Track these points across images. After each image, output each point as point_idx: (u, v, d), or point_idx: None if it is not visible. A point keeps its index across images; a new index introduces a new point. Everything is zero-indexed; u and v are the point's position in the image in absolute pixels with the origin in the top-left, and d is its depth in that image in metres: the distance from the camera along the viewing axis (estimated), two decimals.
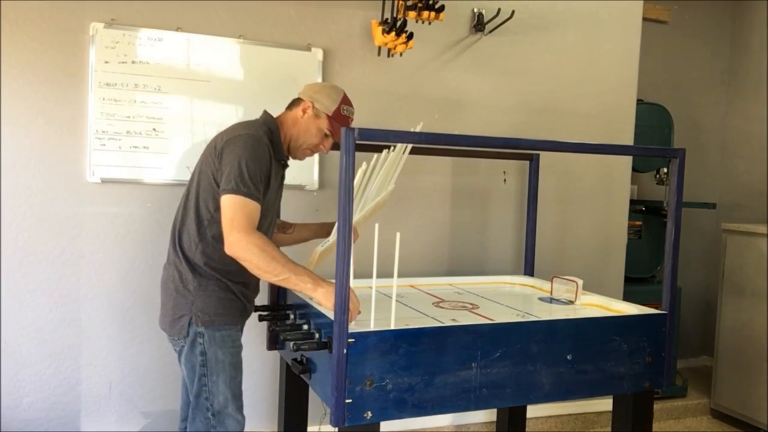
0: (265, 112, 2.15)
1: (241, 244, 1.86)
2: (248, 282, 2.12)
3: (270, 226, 2.16)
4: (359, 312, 1.89)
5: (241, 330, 2.17)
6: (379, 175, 2.23)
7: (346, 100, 2.17)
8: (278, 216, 2.35)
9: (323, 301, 1.88)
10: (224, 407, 2.01)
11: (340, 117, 2.13)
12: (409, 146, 2.32)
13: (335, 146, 2.12)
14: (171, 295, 2.05)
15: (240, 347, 2.09)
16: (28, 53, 2.46)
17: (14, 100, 2.46)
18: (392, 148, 2.27)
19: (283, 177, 2.21)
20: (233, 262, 1.99)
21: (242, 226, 1.88)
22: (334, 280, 1.70)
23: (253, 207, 1.92)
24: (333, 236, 2.25)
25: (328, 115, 2.12)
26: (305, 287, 1.90)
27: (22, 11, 2.45)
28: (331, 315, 1.81)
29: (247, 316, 2.18)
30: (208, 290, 2.01)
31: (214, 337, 2.00)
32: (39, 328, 2.54)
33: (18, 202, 2.49)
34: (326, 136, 2.14)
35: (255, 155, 1.96)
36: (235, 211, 1.89)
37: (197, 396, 2.02)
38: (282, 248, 2.37)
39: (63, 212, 2.54)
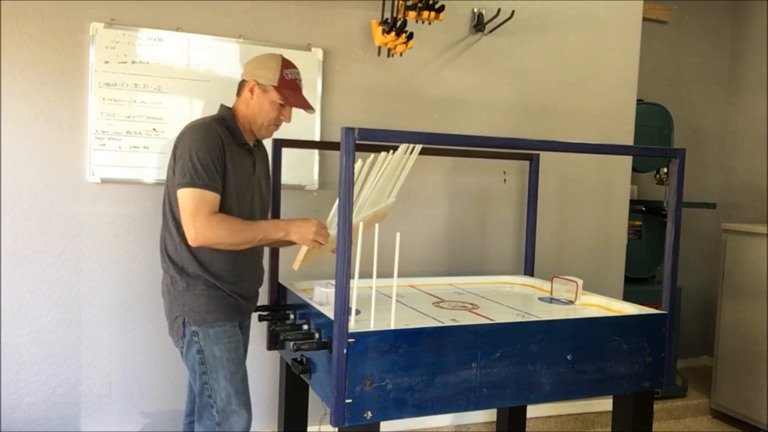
0: (222, 105, 2.16)
1: (205, 232, 1.90)
2: (240, 280, 2.10)
3: (252, 213, 2.12)
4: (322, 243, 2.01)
5: (241, 326, 2.17)
6: (379, 182, 2.20)
7: (286, 64, 2.14)
8: (268, 209, 2.32)
9: (300, 239, 1.99)
10: (228, 404, 2.02)
11: (287, 82, 2.11)
12: (413, 156, 2.30)
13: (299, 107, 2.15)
14: (166, 298, 2.09)
15: (237, 342, 2.09)
16: (28, 53, 2.46)
17: (14, 100, 2.46)
18: (391, 152, 2.25)
19: (255, 162, 2.16)
20: (220, 261, 2.02)
21: (202, 216, 1.90)
22: (333, 281, 1.70)
23: (211, 197, 1.93)
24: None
25: (274, 86, 2.09)
26: (279, 235, 2.00)
27: (22, 11, 2.44)
28: (307, 247, 1.98)
29: (244, 313, 2.18)
30: (196, 290, 2.03)
31: (209, 335, 2.02)
32: (39, 328, 2.54)
33: (18, 202, 2.49)
34: (282, 106, 2.12)
35: (204, 144, 1.95)
36: (193, 202, 1.91)
37: (200, 394, 2.03)
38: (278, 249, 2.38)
39: (63, 212, 2.54)
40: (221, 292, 2.06)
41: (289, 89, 2.11)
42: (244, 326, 2.22)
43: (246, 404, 2.06)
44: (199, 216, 1.90)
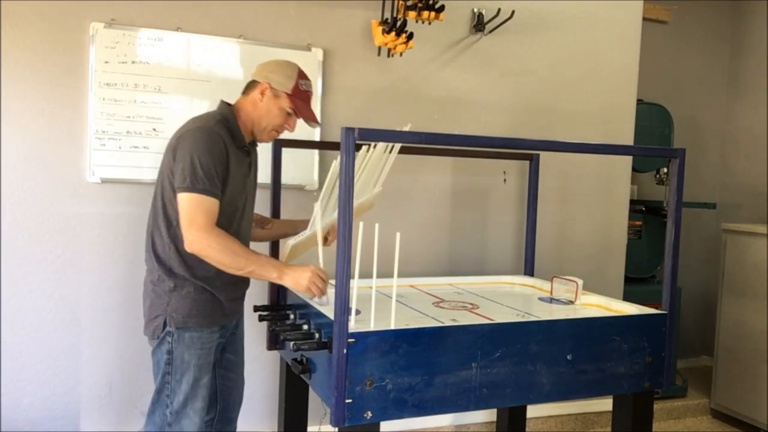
0: (221, 102, 2.11)
1: (201, 243, 1.87)
2: (228, 284, 2.06)
3: (244, 218, 2.11)
4: (325, 294, 1.98)
5: (225, 328, 2.13)
6: (362, 176, 2.18)
7: (302, 75, 2.11)
8: (253, 207, 2.27)
9: (293, 285, 1.95)
10: (183, 407, 2.00)
11: (300, 93, 2.08)
12: (396, 146, 2.30)
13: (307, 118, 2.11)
14: (149, 295, 2.04)
15: (210, 349, 2.05)
16: (28, 53, 2.46)
17: (14, 100, 2.46)
18: (373, 146, 2.23)
19: (250, 163, 2.13)
20: (208, 265, 1.96)
21: (200, 224, 1.87)
22: (333, 281, 1.70)
23: (211, 203, 1.90)
24: (307, 230, 2.23)
25: (287, 94, 2.06)
26: (270, 276, 1.95)
27: (22, 11, 2.45)
28: (305, 297, 1.94)
29: (229, 315, 2.13)
30: (183, 292, 1.99)
31: (183, 338, 1.99)
32: (39, 328, 2.54)
33: (18, 202, 2.49)
34: (289, 114, 2.09)
35: (207, 148, 1.92)
36: (192, 208, 1.88)
37: (159, 392, 2.02)
38: (259, 243, 2.35)
39: (63, 212, 2.54)
40: (207, 296, 2.02)
41: (301, 100, 2.08)
42: (228, 328, 2.17)
43: (201, 412, 2.03)
44: (197, 222, 1.87)
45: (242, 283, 2.16)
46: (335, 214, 2.12)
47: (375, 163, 2.25)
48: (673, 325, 2.16)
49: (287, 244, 2.07)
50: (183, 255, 1.98)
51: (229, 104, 2.10)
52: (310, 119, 2.12)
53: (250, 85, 2.12)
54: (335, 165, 2.02)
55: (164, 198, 2.00)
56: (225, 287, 2.06)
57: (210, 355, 2.06)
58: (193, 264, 1.98)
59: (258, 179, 2.66)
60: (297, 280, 1.94)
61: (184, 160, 1.91)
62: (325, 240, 2.21)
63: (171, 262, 1.99)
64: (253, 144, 2.19)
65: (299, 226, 2.33)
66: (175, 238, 1.98)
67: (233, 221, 2.04)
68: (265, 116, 2.08)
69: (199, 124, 1.99)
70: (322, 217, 2.09)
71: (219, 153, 1.94)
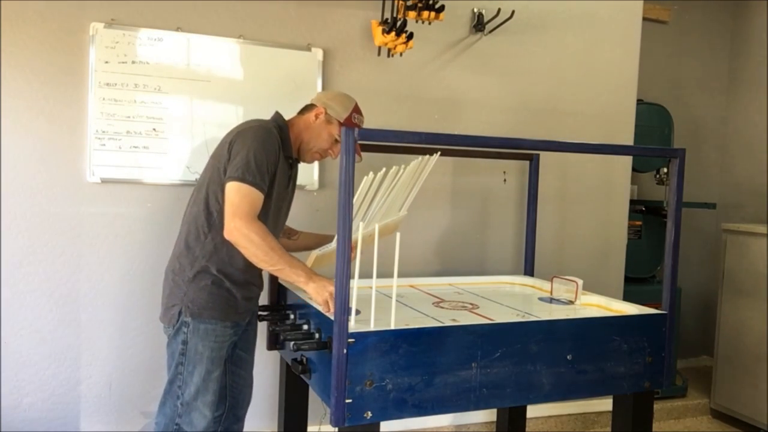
0: (277, 112, 2.21)
1: (241, 230, 1.91)
2: (248, 283, 2.13)
3: (278, 224, 2.19)
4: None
5: (238, 325, 2.16)
6: (391, 195, 2.17)
7: (357, 109, 2.23)
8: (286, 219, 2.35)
9: (314, 294, 1.95)
10: (194, 399, 2.04)
11: (352, 124, 2.18)
12: (428, 169, 2.30)
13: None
14: (169, 284, 2.11)
15: (223, 343, 2.09)
16: (28, 53, 2.46)
17: (14, 100, 2.46)
18: (403, 168, 2.20)
19: (291, 176, 2.23)
20: (237, 263, 2.03)
21: (244, 213, 1.92)
22: (333, 278, 1.70)
23: (257, 196, 1.97)
24: (333, 243, 2.23)
25: (339, 122, 2.17)
26: (298, 280, 1.97)
27: (22, 11, 2.45)
28: (320, 309, 1.92)
29: (243, 313, 2.17)
30: (201, 283, 2.04)
31: (198, 329, 2.04)
32: (39, 328, 2.54)
33: (18, 202, 2.49)
34: (336, 141, 2.19)
35: (264, 145, 2.01)
36: (239, 197, 1.94)
37: (171, 382, 2.07)
38: None
39: (63, 212, 2.54)
40: (223, 291, 2.07)
41: None
42: (240, 325, 2.20)
43: (212, 405, 2.07)
44: (241, 210, 1.92)
45: (259, 283, 2.22)
46: (360, 231, 2.09)
47: (405, 184, 2.25)
48: (673, 325, 2.16)
49: (312, 254, 2.11)
50: (214, 248, 2.04)
51: (283, 118, 2.20)
52: (354, 152, 2.14)
53: (307, 107, 2.24)
54: (364, 181, 1.99)
55: (209, 189, 2.06)
56: (242, 285, 2.11)
57: (223, 349, 2.10)
58: (222, 260, 2.05)
59: None
60: (320, 291, 1.95)
61: (240, 153, 1.99)
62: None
63: (201, 252, 2.05)
64: (296, 161, 2.26)
65: (324, 240, 2.38)
66: (213, 227, 2.04)
67: (267, 223, 2.07)
68: (314, 138, 2.18)
69: (260, 124, 2.10)
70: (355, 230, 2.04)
71: (273, 152, 2.03)
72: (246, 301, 2.16)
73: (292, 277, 1.98)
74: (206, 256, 2.05)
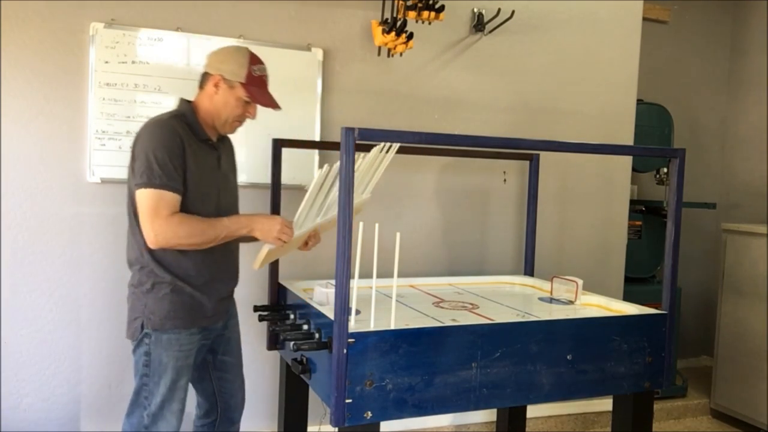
0: (180, 99, 2.07)
1: (166, 234, 1.85)
2: (209, 281, 2.03)
3: (218, 210, 2.03)
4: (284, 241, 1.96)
5: (211, 330, 2.10)
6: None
7: (254, 60, 2.05)
8: (237, 204, 2.22)
9: (264, 237, 1.95)
10: (160, 408, 1.98)
11: (254, 79, 2.03)
12: (390, 154, 2.27)
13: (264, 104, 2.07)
14: (129, 298, 2.03)
15: (189, 351, 2.02)
16: (28, 53, 2.46)
17: (14, 99, 2.46)
18: (363, 156, 2.20)
19: (219, 157, 2.08)
20: (186, 263, 1.96)
21: (161, 216, 1.85)
22: (333, 281, 1.70)
23: (170, 197, 1.87)
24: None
25: (241, 83, 2.00)
26: (242, 233, 1.97)
27: (22, 11, 2.45)
28: (268, 246, 1.95)
29: (217, 317, 2.10)
30: (160, 293, 1.96)
31: (161, 340, 1.97)
32: (39, 328, 2.54)
33: (18, 202, 2.49)
34: (247, 102, 2.04)
35: (162, 142, 1.88)
36: (150, 204, 1.85)
37: (137, 393, 2.01)
38: (244, 244, 2.25)
39: (63, 212, 2.54)
40: (186, 297, 1.98)
41: (257, 86, 2.03)
42: (212, 330, 2.12)
43: (178, 414, 2.01)
44: (158, 217, 1.84)
45: (227, 278, 2.13)
46: (318, 220, 2.10)
47: (366, 169, 2.23)
48: (673, 325, 2.16)
49: (262, 249, 2.02)
50: (158, 256, 1.95)
51: (188, 101, 2.06)
52: (269, 105, 2.07)
53: (204, 78, 2.06)
54: (320, 173, 1.98)
55: (133, 201, 1.96)
56: (207, 286, 2.02)
57: (189, 357, 2.03)
58: (171, 264, 1.96)
59: (257, 179, 2.66)
60: (267, 232, 1.95)
61: (140, 157, 1.88)
62: (306, 244, 2.20)
63: (148, 263, 1.96)
64: (223, 138, 2.14)
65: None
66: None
67: (209, 214, 1.98)
68: (223, 109, 2.02)
69: (154, 120, 1.97)
70: (305, 221, 2.04)
71: (175, 145, 1.90)
72: (216, 304, 2.07)
73: (237, 234, 1.96)
74: (156, 266, 1.95)
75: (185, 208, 1.92)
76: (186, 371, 2.03)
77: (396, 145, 2.27)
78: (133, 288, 2.01)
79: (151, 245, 1.88)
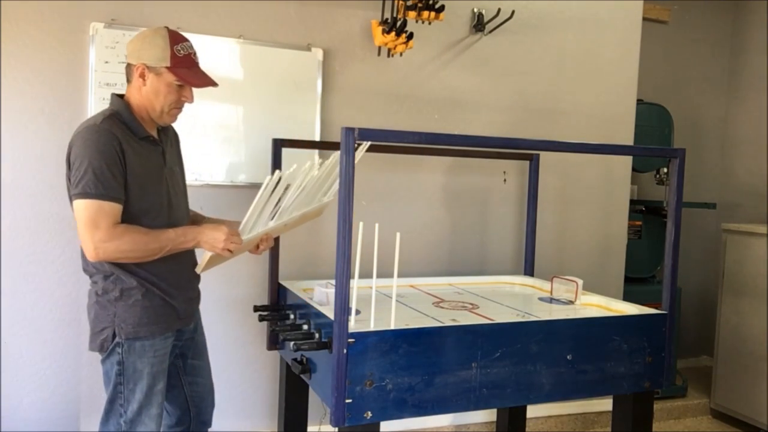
0: (113, 95, 1.93)
1: (104, 248, 1.75)
2: (176, 282, 1.95)
3: (173, 211, 1.95)
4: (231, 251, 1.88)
5: (184, 332, 2.06)
6: (306, 187, 2.07)
7: (175, 38, 1.89)
8: (186, 197, 2.10)
9: (210, 247, 1.86)
10: (137, 415, 1.91)
11: (181, 60, 1.88)
12: (358, 155, 2.20)
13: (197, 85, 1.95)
14: (92, 307, 1.91)
15: (163, 356, 1.95)
16: (28, 53, 2.46)
17: (14, 99, 2.46)
18: (321, 161, 2.16)
19: (163, 153, 1.96)
20: (147, 265, 1.86)
21: (103, 229, 1.74)
22: (333, 281, 1.70)
23: (109, 207, 1.76)
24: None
25: (167, 67, 1.86)
26: (189, 245, 1.88)
27: (22, 11, 2.44)
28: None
29: (188, 318, 2.04)
30: (130, 300, 1.86)
31: (134, 348, 1.88)
32: (39, 328, 2.54)
33: (18, 202, 2.49)
34: (179, 86, 1.90)
35: (97, 148, 1.76)
36: (89, 215, 1.74)
37: (111, 402, 1.92)
38: None
39: (63, 212, 2.53)
40: (157, 301, 1.90)
41: (185, 67, 1.89)
42: (184, 332, 2.07)
43: (157, 418, 1.93)
44: (98, 229, 1.73)
45: (193, 278, 2.05)
46: (270, 224, 2.02)
47: (325, 175, 2.17)
48: (673, 325, 2.16)
49: (204, 254, 1.94)
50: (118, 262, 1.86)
51: (120, 96, 1.93)
52: (203, 84, 1.94)
53: (128, 70, 1.91)
54: (268, 179, 1.88)
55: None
56: (175, 288, 1.95)
57: (164, 362, 1.96)
58: (136, 267, 1.86)
59: (257, 179, 2.64)
60: (213, 243, 1.85)
61: (75, 165, 1.77)
62: (257, 248, 2.07)
63: (111, 270, 1.86)
64: (165, 130, 2.03)
65: (233, 225, 2.00)
66: None
67: (160, 217, 1.90)
68: (155, 99, 1.89)
69: (87, 125, 1.83)
70: (254, 226, 1.96)
71: (112, 151, 1.77)
72: (186, 304, 2.00)
73: (183, 247, 1.86)
74: (119, 272, 1.85)
75: (132, 216, 1.82)
76: (162, 375, 1.95)
77: (365, 146, 2.20)
78: (97, 297, 1.89)
79: (91, 259, 1.78)
